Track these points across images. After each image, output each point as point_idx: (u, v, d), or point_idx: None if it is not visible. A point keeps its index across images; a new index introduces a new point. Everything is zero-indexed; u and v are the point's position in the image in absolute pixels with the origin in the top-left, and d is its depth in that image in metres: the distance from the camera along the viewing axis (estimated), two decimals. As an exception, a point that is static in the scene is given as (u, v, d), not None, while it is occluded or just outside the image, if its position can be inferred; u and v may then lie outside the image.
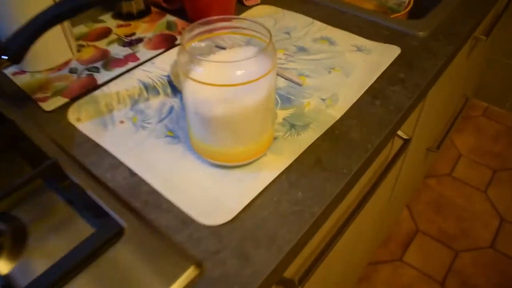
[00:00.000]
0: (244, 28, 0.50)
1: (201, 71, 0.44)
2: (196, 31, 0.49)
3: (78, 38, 0.77)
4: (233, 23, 0.50)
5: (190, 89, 0.46)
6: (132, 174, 0.52)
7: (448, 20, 0.82)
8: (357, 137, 0.57)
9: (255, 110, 0.47)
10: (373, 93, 0.64)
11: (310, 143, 0.56)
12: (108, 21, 0.82)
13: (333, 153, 0.55)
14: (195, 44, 0.50)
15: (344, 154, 0.55)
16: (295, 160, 0.54)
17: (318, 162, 0.53)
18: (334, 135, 0.57)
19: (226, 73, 0.44)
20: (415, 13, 1.13)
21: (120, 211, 0.47)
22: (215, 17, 0.50)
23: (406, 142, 0.71)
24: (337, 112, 0.60)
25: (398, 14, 1.06)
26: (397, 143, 0.78)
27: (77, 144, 0.57)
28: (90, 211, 0.49)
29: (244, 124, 0.48)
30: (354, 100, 0.63)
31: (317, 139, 0.57)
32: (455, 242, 1.47)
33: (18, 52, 0.56)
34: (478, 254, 1.44)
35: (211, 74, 0.44)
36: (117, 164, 0.54)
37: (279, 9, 0.85)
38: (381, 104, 0.62)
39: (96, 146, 0.56)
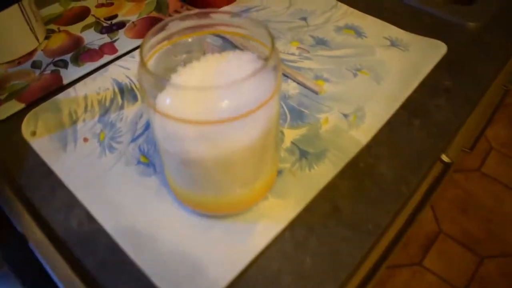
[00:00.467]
0: (234, 26, 0.36)
1: (170, 100, 0.31)
2: (161, 34, 0.34)
3: (48, 21, 0.63)
4: (218, 18, 0.36)
5: (158, 122, 0.33)
6: (90, 218, 0.40)
7: (505, 8, 0.66)
8: (389, 175, 0.43)
9: (250, 151, 0.33)
10: (411, 108, 0.50)
11: (325, 182, 0.42)
12: (88, -2, 0.68)
13: (356, 197, 0.41)
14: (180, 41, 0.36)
15: (370, 200, 0.41)
16: (305, 208, 0.40)
17: (335, 212, 0.40)
18: (358, 170, 0.44)
19: (207, 102, 0.30)
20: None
21: (68, 278, 0.35)
22: (193, 12, 0.35)
23: (448, 166, 0.57)
24: (363, 135, 0.46)
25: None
26: (436, 167, 0.63)
27: (28, 169, 0.45)
28: (29, 275, 0.37)
29: (234, 169, 0.35)
30: (386, 118, 0.48)
31: (336, 175, 0.43)
32: (481, 247, 1.34)
33: None
34: (506, 261, 1.30)
35: (187, 102, 0.30)
36: (73, 202, 0.41)
37: (295, -12, 0.69)
38: (421, 125, 0.48)
39: (49, 173, 0.44)
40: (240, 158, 0.33)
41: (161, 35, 0.34)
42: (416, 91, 0.52)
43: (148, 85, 0.31)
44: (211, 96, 0.30)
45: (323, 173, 0.43)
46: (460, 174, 1.53)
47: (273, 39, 0.31)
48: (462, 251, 1.33)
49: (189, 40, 0.38)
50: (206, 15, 0.35)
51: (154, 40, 0.34)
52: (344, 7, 0.65)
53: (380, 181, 0.43)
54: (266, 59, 0.30)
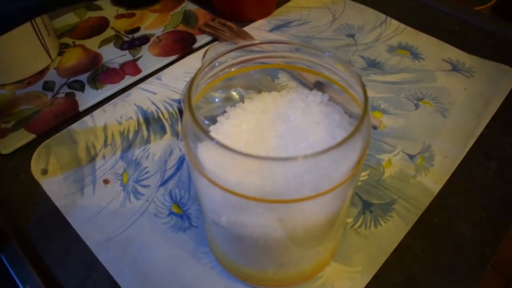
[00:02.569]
0: (306, 61, 0.28)
1: (222, 163, 0.23)
2: (214, 70, 0.28)
3: (62, 33, 0.56)
4: (285, 51, 0.29)
5: (204, 187, 0.26)
6: (113, 284, 0.33)
7: None
8: (468, 232, 0.36)
9: (325, 226, 0.26)
10: (485, 147, 0.42)
11: (396, 243, 0.35)
12: (107, 8, 0.61)
13: (433, 263, 0.34)
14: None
15: (449, 265, 0.34)
16: (373, 278, 0.33)
17: (409, 282, 0.33)
18: (432, 227, 0.36)
19: (270, 173, 0.23)
20: (504, 5, 0.89)
21: None
22: (248, 43, 0.28)
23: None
24: (433, 181, 0.39)
25: (484, 7, 0.82)
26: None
27: (38, 218, 0.38)
28: None
29: (302, 246, 0.28)
30: (459, 161, 0.41)
31: (407, 234, 0.36)
32: (509, 267, 1.26)
33: None
34: (540, 287, 1.22)
35: (238, 171, 0.23)
36: (92, 263, 0.34)
37: (337, -2, 0.62)
38: (499, 169, 0.41)
39: (64, 224, 0.37)
40: (312, 235, 0.26)
41: (213, 69, 0.28)
42: (488, 127, 0.44)
43: (191, 132, 0.24)
44: (277, 164, 0.23)
45: (392, 231, 0.35)
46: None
47: (365, 93, 0.24)
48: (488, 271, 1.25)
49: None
50: (271, 45, 0.28)
51: (204, 77, 0.27)
52: (395, 23, 0.57)
53: (460, 241, 0.35)
54: (361, 116, 0.23)
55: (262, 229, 0.25)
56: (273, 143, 0.26)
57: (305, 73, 0.30)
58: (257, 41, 0.29)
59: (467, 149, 0.42)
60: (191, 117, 0.23)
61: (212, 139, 0.22)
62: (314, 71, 0.28)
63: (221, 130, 0.27)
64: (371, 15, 0.58)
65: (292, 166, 0.22)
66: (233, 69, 0.29)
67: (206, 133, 0.22)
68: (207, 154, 0.24)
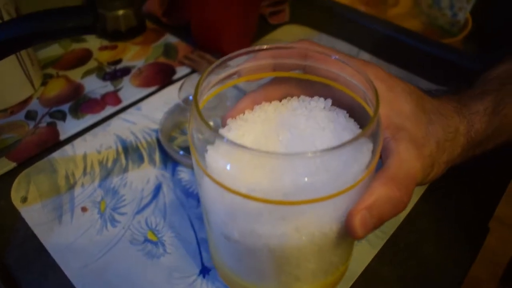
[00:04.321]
0: (312, 69, 0.29)
1: (232, 166, 0.24)
2: (222, 74, 0.28)
3: (46, 64, 0.58)
4: (292, 57, 0.30)
5: (215, 196, 0.26)
6: (87, 312, 0.34)
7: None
8: (436, 255, 0.38)
9: (335, 235, 0.26)
10: (451, 172, 0.44)
11: (363, 267, 0.36)
12: (91, 40, 0.63)
13: (400, 286, 0.36)
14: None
15: (417, 292, 0.35)
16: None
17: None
18: (399, 251, 0.38)
19: (282, 172, 0.23)
20: (475, 36, 0.93)
21: None
22: (256, 47, 0.29)
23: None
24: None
25: (453, 39, 0.86)
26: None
27: (17, 244, 0.38)
28: None
29: (315, 257, 0.27)
30: (426, 185, 0.43)
31: (374, 257, 0.37)
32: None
33: None
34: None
35: (248, 173, 0.23)
36: (67, 290, 0.35)
37: (313, 32, 0.65)
38: (465, 191, 0.43)
39: (42, 251, 0.38)
40: (329, 241, 0.26)
41: (223, 73, 0.28)
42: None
43: (199, 136, 0.24)
44: (290, 162, 0.23)
45: (360, 254, 0.37)
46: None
47: (377, 94, 0.24)
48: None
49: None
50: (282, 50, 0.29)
51: (214, 78, 0.28)
52: (367, 56, 0.60)
53: (428, 264, 0.37)
54: (371, 117, 0.23)
55: (278, 238, 0.24)
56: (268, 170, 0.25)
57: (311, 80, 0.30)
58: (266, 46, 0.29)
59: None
60: (200, 119, 0.23)
61: (222, 137, 0.22)
62: (321, 78, 0.29)
63: (215, 164, 0.26)
64: (344, 48, 0.61)
65: (305, 163, 0.23)
66: (242, 75, 0.29)
67: (216, 131, 0.23)
68: (216, 159, 0.24)
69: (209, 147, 0.25)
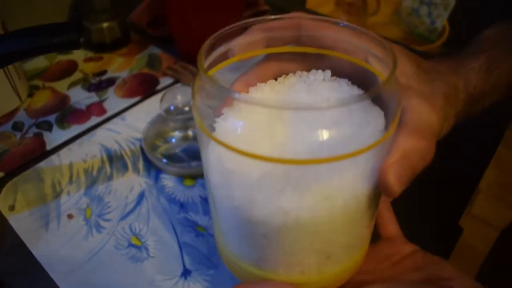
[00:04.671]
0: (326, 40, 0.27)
1: (241, 126, 0.24)
2: (229, 44, 0.27)
3: (32, 76, 0.60)
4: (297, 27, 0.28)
5: (217, 159, 0.24)
6: (74, 314, 0.35)
7: None
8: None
9: (361, 202, 0.24)
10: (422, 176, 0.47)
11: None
12: (76, 52, 0.65)
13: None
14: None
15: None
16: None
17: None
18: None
19: (300, 131, 0.22)
20: (452, 43, 0.97)
21: None
22: (247, 21, 0.28)
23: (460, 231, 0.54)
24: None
25: (431, 46, 0.89)
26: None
27: (5, 251, 0.40)
28: None
29: (347, 228, 0.25)
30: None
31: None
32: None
33: None
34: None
35: (262, 134, 0.23)
36: (54, 294, 0.37)
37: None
38: (437, 195, 0.45)
39: (30, 257, 0.39)
40: (359, 207, 0.24)
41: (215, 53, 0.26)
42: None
43: (205, 100, 0.23)
44: (304, 120, 0.22)
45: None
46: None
47: (391, 49, 0.24)
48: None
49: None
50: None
51: (221, 48, 0.26)
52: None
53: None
54: (388, 77, 0.22)
55: (309, 210, 0.22)
56: (283, 131, 0.23)
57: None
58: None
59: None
60: (207, 79, 0.22)
61: (233, 92, 0.22)
62: (317, 49, 0.28)
63: (224, 127, 0.24)
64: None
65: (316, 116, 0.22)
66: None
67: (226, 88, 0.22)
68: (230, 122, 0.24)
69: (218, 119, 0.24)
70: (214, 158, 0.24)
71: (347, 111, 0.22)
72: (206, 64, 0.25)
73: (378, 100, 0.24)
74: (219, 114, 0.25)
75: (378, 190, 0.24)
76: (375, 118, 0.23)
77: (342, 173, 0.22)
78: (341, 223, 0.24)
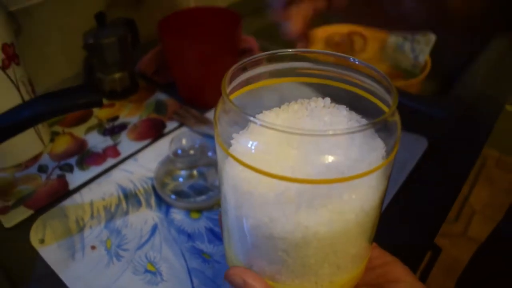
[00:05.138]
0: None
1: (258, 148, 0.26)
2: (251, 72, 0.30)
3: (53, 123, 0.67)
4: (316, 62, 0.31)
5: (234, 177, 0.27)
6: (100, 331, 0.41)
7: (476, 95, 0.73)
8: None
9: (369, 216, 0.27)
10: (400, 201, 0.54)
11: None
12: (90, 98, 0.72)
13: None
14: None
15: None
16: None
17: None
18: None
19: (309, 155, 0.25)
20: (433, 76, 1.04)
21: None
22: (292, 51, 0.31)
23: (438, 252, 0.60)
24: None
25: (414, 81, 0.97)
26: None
27: (37, 279, 0.46)
28: None
29: (355, 241, 0.28)
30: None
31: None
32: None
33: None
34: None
35: (276, 156, 0.25)
36: (82, 315, 0.43)
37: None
38: (410, 216, 0.52)
39: (59, 284, 0.45)
40: (367, 221, 0.27)
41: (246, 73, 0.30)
42: (403, 186, 0.56)
43: (226, 123, 0.27)
44: (315, 146, 0.25)
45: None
46: (446, 239, 1.56)
47: (390, 82, 0.27)
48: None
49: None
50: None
51: (244, 76, 0.29)
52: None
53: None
54: (389, 111, 0.25)
55: (326, 225, 0.25)
56: (293, 154, 0.25)
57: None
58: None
59: (385, 205, 0.53)
60: (230, 105, 0.25)
61: (255, 119, 0.24)
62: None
63: (239, 149, 0.26)
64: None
65: (335, 143, 0.25)
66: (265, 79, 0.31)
67: (244, 113, 0.25)
68: (248, 144, 0.26)
69: (235, 138, 0.26)
70: (231, 177, 0.26)
71: (352, 137, 0.25)
72: (228, 89, 0.28)
73: (381, 129, 0.26)
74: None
75: (381, 205, 0.28)
76: (378, 145, 0.26)
77: (351, 190, 0.25)
78: (353, 235, 0.27)
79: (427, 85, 1.10)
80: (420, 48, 1.06)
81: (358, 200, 0.26)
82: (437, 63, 1.03)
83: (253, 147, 0.25)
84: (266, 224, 0.26)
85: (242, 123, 0.27)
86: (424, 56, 1.04)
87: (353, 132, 0.24)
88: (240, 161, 0.25)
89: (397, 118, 0.26)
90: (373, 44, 1.13)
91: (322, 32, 1.10)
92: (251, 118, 0.24)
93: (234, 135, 0.27)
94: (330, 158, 0.24)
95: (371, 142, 0.26)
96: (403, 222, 0.52)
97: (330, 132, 0.23)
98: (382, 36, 1.10)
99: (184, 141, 0.54)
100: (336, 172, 0.24)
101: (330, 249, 0.27)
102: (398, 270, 0.32)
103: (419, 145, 0.62)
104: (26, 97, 0.57)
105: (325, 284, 0.29)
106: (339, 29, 1.10)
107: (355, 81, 0.30)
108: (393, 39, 1.09)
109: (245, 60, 0.29)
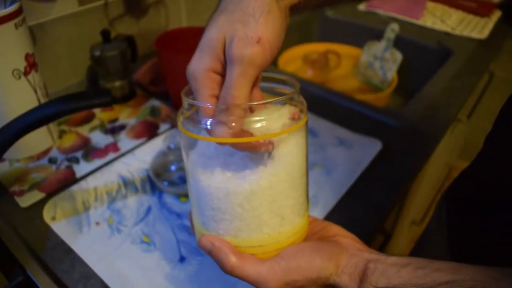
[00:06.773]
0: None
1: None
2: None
3: (60, 123, 0.77)
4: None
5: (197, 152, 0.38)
6: (104, 287, 0.51)
7: (430, 107, 0.84)
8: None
9: (297, 169, 0.37)
10: (354, 193, 0.64)
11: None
12: (92, 103, 0.82)
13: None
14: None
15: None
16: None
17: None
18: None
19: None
20: (400, 91, 1.16)
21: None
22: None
23: (388, 237, 0.71)
24: (316, 216, 0.60)
25: (382, 94, 1.08)
26: (379, 239, 0.77)
27: (50, 248, 0.56)
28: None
29: (292, 191, 0.37)
30: (335, 202, 0.62)
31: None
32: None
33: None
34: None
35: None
36: (89, 274, 0.52)
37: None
38: (362, 206, 0.62)
39: (69, 251, 0.55)
40: (296, 173, 0.37)
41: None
42: (358, 180, 0.66)
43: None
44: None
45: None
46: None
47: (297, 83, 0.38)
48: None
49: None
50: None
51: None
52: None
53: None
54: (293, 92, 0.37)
55: (265, 178, 0.34)
56: None
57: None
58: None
59: (341, 195, 0.63)
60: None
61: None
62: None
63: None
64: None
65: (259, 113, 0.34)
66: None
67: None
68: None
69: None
70: (195, 152, 0.38)
71: (271, 111, 0.35)
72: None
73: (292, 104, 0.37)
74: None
75: (306, 164, 0.38)
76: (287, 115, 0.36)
77: (280, 150, 0.35)
78: (284, 187, 0.36)
79: (394, 98, 1.22)
80: (388, 66, 1.18)
81: (283, 157, 0.36)
82: (403, 79, 1.16)
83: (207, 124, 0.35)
84: (222, 183, 0.35)
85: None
86: (391, 74, 1.16)
87: (266, 103, 0.35)
88: (192, 135, 0.36)
89: (302, 99, 0.38)
90: (347, 62, 1.25)
91: (300, 50, 1.21)
92: (195, 102, 0.36)
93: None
94: (257, 124, 0.34)
95: (284, 115, 0.35)
96: (357, 208, 0.62)
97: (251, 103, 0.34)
98: (355, 54, 1.22)
99: (176, 138, 0.64)
100: (260, 134, 0.34)
101: (272, 198, 0.35)
102: (334, 229, 0.41)
103: (375, 146, 0.73)
104: (42, 100, 0.67)
105: (275, 235, 0.37)
106: (316, 48, 1.22)
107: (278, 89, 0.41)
108: (365, 57, 1.21)
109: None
